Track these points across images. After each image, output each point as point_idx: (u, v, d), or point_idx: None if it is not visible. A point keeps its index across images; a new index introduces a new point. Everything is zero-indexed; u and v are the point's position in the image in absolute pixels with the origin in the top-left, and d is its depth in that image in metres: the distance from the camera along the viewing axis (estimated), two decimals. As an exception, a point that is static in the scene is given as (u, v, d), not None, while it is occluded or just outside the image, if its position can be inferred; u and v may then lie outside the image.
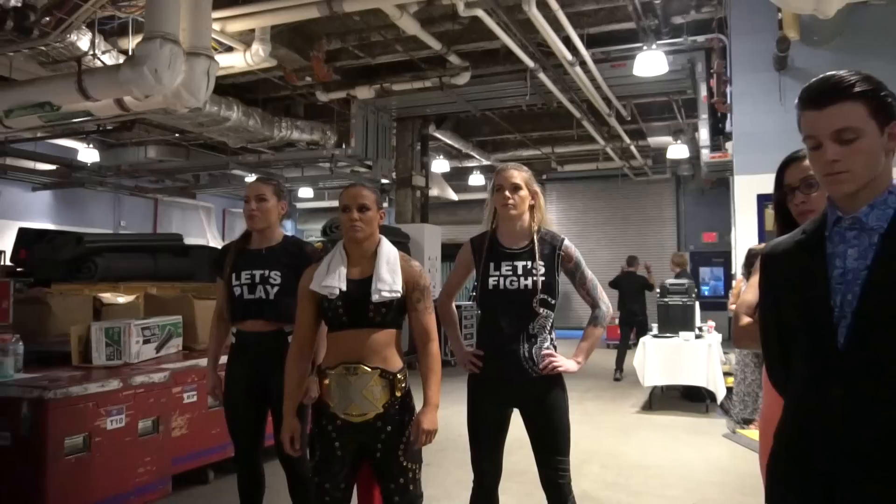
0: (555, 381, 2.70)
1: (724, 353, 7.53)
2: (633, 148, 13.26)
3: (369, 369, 2.44)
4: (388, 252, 2.57)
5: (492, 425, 2.74)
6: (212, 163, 12.64)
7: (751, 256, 6.34)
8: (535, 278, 2.67)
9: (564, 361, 2.69)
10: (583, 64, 8.21)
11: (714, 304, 14.10)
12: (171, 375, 4.05)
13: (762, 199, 6.77)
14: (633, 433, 6.32)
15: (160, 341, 4.41)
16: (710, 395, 7.13)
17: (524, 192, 2.74)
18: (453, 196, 15.42)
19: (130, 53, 6.20)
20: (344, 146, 10.88)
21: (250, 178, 13.80)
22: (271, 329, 3.01)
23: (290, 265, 3.01)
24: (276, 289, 3.01)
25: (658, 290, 7.85)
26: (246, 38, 7.50)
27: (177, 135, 12.09)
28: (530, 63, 8.06)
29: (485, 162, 14.76)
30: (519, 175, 2.75)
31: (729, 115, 7.88)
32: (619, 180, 16.37)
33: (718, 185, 14.72)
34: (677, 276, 9.26)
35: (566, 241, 2.78)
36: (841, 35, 6.46)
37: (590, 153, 14.59)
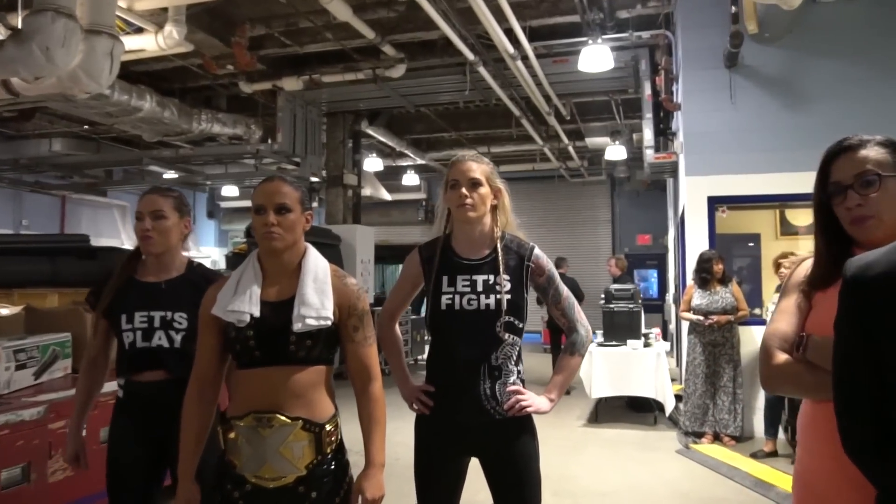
0: (523, 425, 2.20)
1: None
2: (570, 149, 12.99)
3: (289, 420, 1.88)
4: (316, 266, 2.01)
5: (444, 478, 2.22)
6: (124, 157, 11.69)
7: (703, 262, 6.06)
8: (498, 296, 2.16)
9: (535, 400, 2.20)
10: (524, 59, 7.79)
11: (648, 307, 14.02)
12: (48, 409, 3.34)
13: (713, 202, 6.49)
14: (581, 450, 5.91)
15: (41, 365, 3.70)
16: (658, 406, 6.82)
17: (485, 190, 2.23)
18: (386, 196, 14.85)
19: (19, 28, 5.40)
20: (270, 141, 10.17)
21: (169, 174, 12.91)
22: (173, 378, 2.33)
23: (198, 303, 2.40)
24: (181, 335, 2.39)
25: (602, 296, 7.50)
26: (158, 19, 6.77)
27: (85, 126, 11.15)
28: (470, 56, 7.58)
29: (419, 161, 14.29)
30: (479, 168, 2.24)
31: (676, 114, 7.61)
32: (556, 181, 16.15)
33: (653, 187, 14.70)
34: (618, 279, 8.98)
35: (536, 250, 2.28)
36: (791, 33, 6.23)
37: (526, 153, 14.30)
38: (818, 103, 6.22)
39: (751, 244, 9.00)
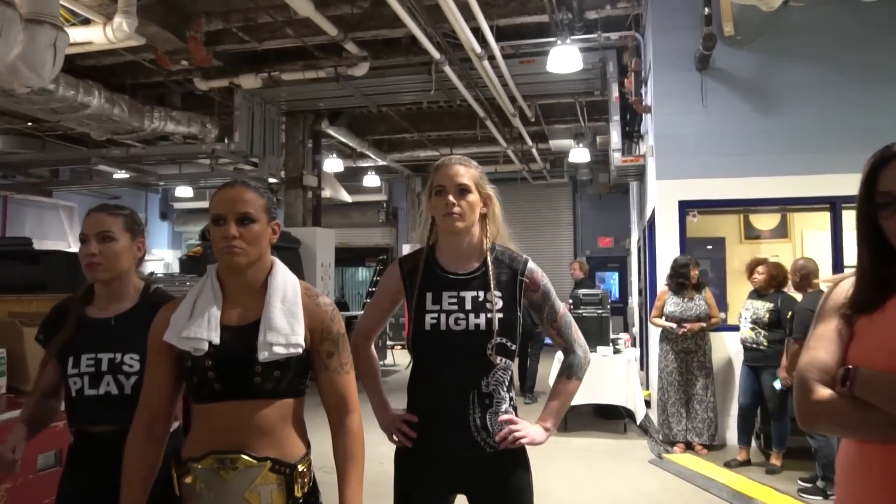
0: (516, 458, 2.00)
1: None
2: (534, 151, 12.88)
3: (255, 461, 1.63)
4: (285, 284, 1.77)
5: (428, 517, 1.99)
6: (70, 156, 11.15)
7: (679, 267, 5.94)
8: (489, 315, 1.95)
9: (529, 429, 1.99)
10: (491, 58, 7.61)
11: (611, 310, 14.02)
12: (-21, 433, 3.00)
13: (684, 206, 6.39)
14: (554, 461, 5.73)
15: (-29, 385, 3.35)
16: (628, 414, 6.70)
17: (474, 197, 2.01)
18: (347, 198, 14.54)
19: (-50, 16, 5.00)
20: (226, 141, 9.77)
21: (120, 174, 12.39)
22: (120, 428, 1.93)
23: None
24: (133, 379, 2.05)
25: (570, 300, 7.35)
26: (106, 10, 6.37)
27: (29, 123, 10.59)
28: (436, 54, 7.37)
29: (380, 162, 14.05)
30: (467, 173, 2.02)
31: (644, 117, 7.51)
32: (518, 184, 16.06)
33: (615, 190, 14.72)
34: (580, 283, 8.88)
35: (531, 264, 2.07)
36: (762, 36, 6.17)
37: (489, 155, 14.14)
38: (790, 107, 6.18)
39: (709, 247, 8.98)
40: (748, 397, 5.46)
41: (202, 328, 1.66)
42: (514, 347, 1.99)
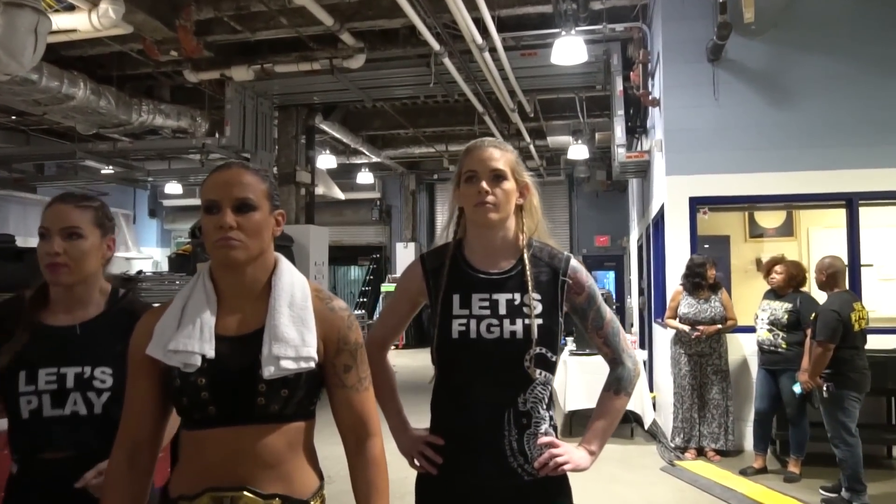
0: (558, 487, 1.73)
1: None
2: (531, 147, 12.63)
3: (260, 499, 1.37)
4: (292, 285, 1.50)
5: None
6: (56, 151, 10.82)
7: (696, 267, 5.70)
8: (527, 321, 1.69)
9: (572, 454, 1.73)
10: (492, 51, 7.36)
11: (610, 309, 13.89)
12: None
13: (694, 203, 6.15)
14: (560, 469, 5.49)
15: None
16: (636, 418, 6.46)
17: (510, 185, 1.75)
18: (340, 195, 14.24)
19: (-77, -2, 4.72)
20: (217, 135, 9.46)
21: (107, 170, 12.05)
22: (93, 456, 1.69)
23: (126, 347, 1.67)
24: (105, 396, 1.74)
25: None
26: (92, -5, 6.08)
27: (13, 117, 10.26)
28: (436, 46, 7.10)
29: (374, 159, 13.80)
30: (503, 156, 1.76)
31: (651, 111, 7.28)
32: (514, 181, 15.84)
33: (613, 187, 14.51)
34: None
35: (573, 262, 1.81)
36: (776, 27, 5.94)
37: (485, 152, 13.88)
38: (805, 101, 5.95)
39: (706, 245, 8.76)
40: (765, 402, 5.23)
41: (193, 339, 1.39)
42: (554, 359, 1.73)
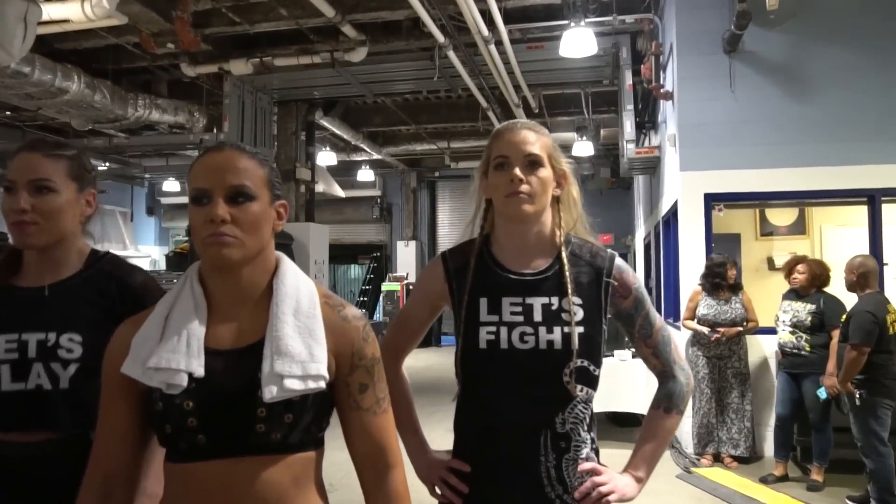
0: (602, 518, 1.51)
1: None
2: (536, 144, 12.41)
3: None
4: (297, 290, 1.27)
5: None
6: (50, 147, 10.56)
7: (716, 266, 5.47)
8: (566, 329, 1.47)
9: (617, 481, 1.51)
10: (498, 43, 7.14)
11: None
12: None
13: (710, 199, 5.93)
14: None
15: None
16: (647, 422, 6.23)
17: (546, 172, 1.53)
18: (340, 192, 14.02)
19: None
20: (215, 131, 9.25)
21: (103, 167, 11.82)
22: (60, 438, 1.48)
23: (102, 313, 1.51)
24: (72, 367, 1.48)
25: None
26: (85, -16, 5.86)
27: (7, 112, 10.05)
28: (441, 38, 6.88)
29: (375, 156, 13.59)
30: (538, 140, 1.53)
31: (664, 105, 7.06)
32: (517, 179, 15.64)
33: (617, 185, 14.29)
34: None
35: (618, 260, 1.58)
36: (795, 18, 5.70)
37: (488, 149, 13.67)
38: (825, 93, 5.73)
39: (712, 244, 8.55)
40: (787, 407, 5.01)
41: (179, 354, 1.17)
42: (597, 373, 1.51)
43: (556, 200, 1.57)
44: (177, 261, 12.39)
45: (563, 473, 1.46)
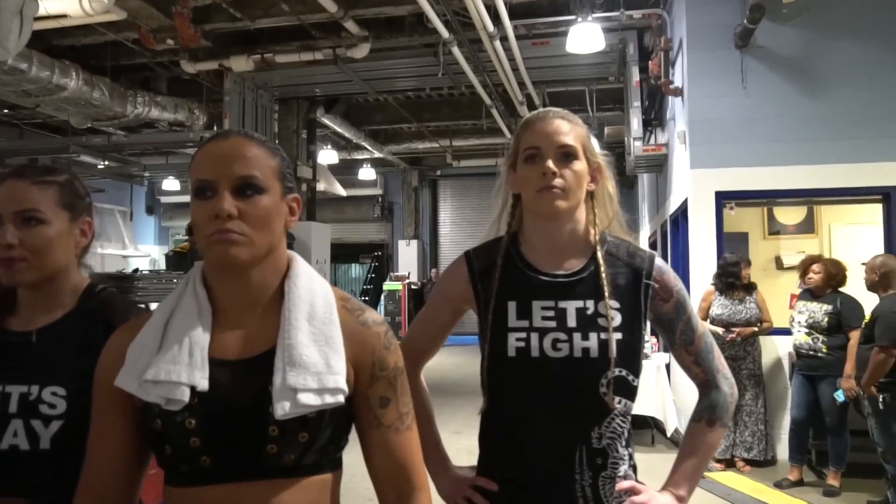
0: (641, 542, 1.39)
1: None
2: (539, 142, 12.30)
3: None
4: (312, 293, 1.14)
5: None
6: (47, 145, 10.45)
7: (730, 266, 5.35)
8: (604, 335, 1.35)
9: (658, 500, 1.39)
10: (503, 39, 7.02)
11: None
12: None
13: (721, 197, 5.80)
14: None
15: None
16: (656, 424, 6.13)
17: (581, 165, 1.40)
18: (341, 191, 13.90)
19: None
20: (215, 128, 9.14)
21: (101, 164, 11.71)
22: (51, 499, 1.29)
23: (92, 362, 1.23)
24: (54, 427, 1.29)
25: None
26: (82, -22, 5.74)
27: (5, 110, 9.93)
28: (445, 33, 6.76)
29: (376, 154, 13.48)
30: (572, 130, 1.41)
31: (672, 101, 6.94)
32: (519, 177, 15.53)
33: (619, 184, 14.13)
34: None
35: (658, 260, 1.46)
36: (809, 11, 5.58)
37: (489, 147, 13.57)
38: (839, 88, 5.60)
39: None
40: (802, 410, 4.89)
41: (180, 365, 1.04)
42: (636, 383, 1.39)
43: (590, 196, 1.45)
44: (176, 260, 12.27)
45: (599, 493, 1.34)
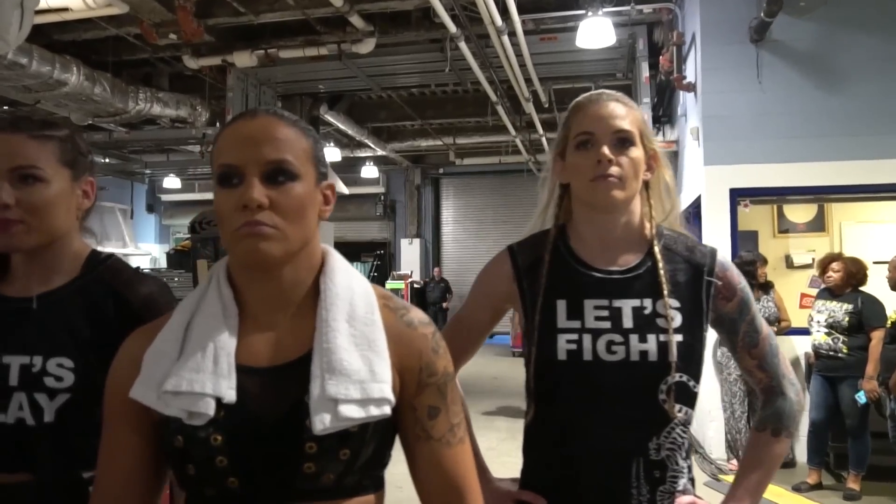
0: (704, 562, 1.29)
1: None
2: (544, 140, 12.19)
3: None
4: (351, 291, 1.02)
5: None
6: (48, 142, 10.34)
7: (747, 265, 5.22)
8: (664, 337, 1.24)
9: (722, 517, 1.28)
10: (511, 34, 6.92)
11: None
12: None
13: (735, 194, 5.69)
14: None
15: None
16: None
17: (638, 153, 1.29)
18: (344, 189, 13.78)
19: None
20: (218, 125, 9.02)
21: (102, 162, 11.58)
22: (41, 481, 1.19)
23: (100, 333, 1.22)
24: (60, 399, 1.19)
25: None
26: (84, -30, 5.64)
27: (5, 107, 9.81)
28: (453, 28, 6.64)
29: (379, 152, 13.37)
30: (629, 114, 1.30)
31: (685, 97, 6.83)
32: (524, 176, 15.38)
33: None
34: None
35: (720, 256, 1.35)
36: (826, 4, 5.48)
37: (494, 145, 13.47)
38: (857, 83, 5.48)
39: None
40: (821, 412, 4.77)
41: (203, 374, 0.92)
42: (697, 390, 1.28)
43: (646, 186, 1.34)
44: (177, 259, 12.17)
45: (656, 507, 1.23)
